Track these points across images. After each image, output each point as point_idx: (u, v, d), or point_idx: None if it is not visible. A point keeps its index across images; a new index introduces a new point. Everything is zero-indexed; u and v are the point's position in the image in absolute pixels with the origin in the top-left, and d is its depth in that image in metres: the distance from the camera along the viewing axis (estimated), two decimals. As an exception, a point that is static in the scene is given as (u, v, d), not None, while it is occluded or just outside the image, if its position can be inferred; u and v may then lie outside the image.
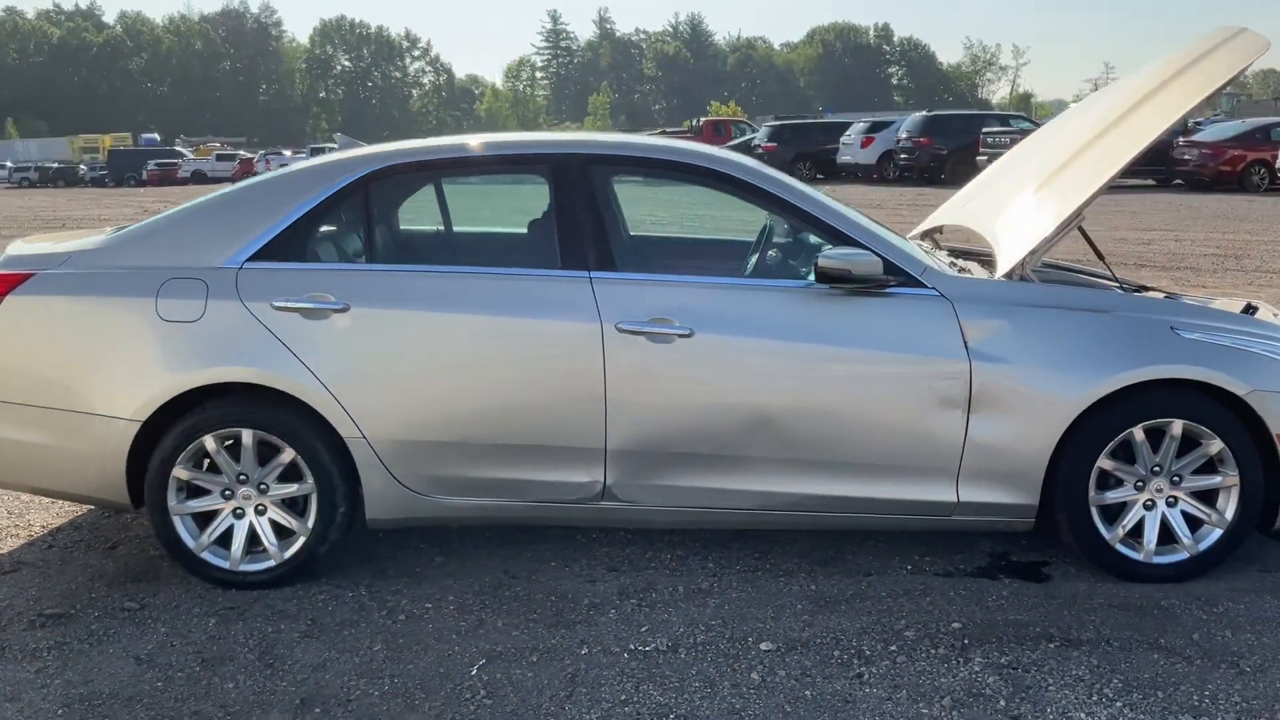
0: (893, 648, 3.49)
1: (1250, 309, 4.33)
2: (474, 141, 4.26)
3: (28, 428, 3.95)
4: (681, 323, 3.83)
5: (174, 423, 3.89)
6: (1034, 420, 3.83)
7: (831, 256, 3.77)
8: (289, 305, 3.85)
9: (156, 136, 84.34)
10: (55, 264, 4.02)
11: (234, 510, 3.96)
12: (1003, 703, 3.16)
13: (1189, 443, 3.89)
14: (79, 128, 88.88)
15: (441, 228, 4.44)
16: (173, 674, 3.38)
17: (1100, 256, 4.70)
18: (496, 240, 4.30)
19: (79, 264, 4.01)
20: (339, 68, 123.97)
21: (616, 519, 4.06)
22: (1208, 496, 3.94)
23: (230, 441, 3.91)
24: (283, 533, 3.99)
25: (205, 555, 3.95)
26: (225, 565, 3.96)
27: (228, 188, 4.25)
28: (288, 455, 3.90)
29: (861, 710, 3.13)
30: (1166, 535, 3.96)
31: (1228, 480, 3.89)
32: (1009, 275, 4.03)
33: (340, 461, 3.90)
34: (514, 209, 4.67)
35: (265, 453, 3.92)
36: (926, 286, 3.89)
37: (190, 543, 3.95)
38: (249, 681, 3.33)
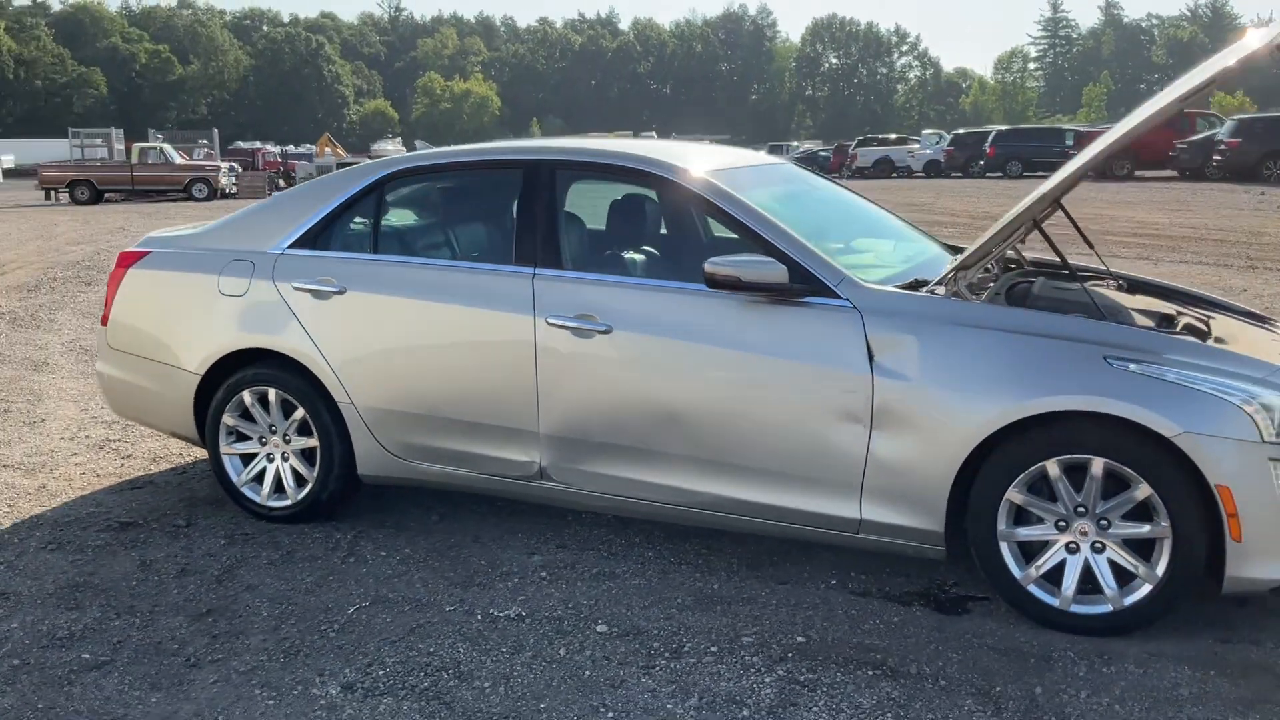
0: (715, 649, 3.56)
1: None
2: (465, 149, 4.74)
3: (139, 374, 4.98)
4: (602, 319, 4.08)
5: (225, 378, 4.73)
6: (935, 442, 3.68)
7: (718, 263, 3.84)
8: (304, 286, 4.57)
9: (654, 134, 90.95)
10: (166, 245, 5.02)
11: (267, 455, 4.76)
12: (746, 712, 3.17)
13: (1119, 484, 3.53)
14: (591, 127, 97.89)
15: (441, 222, 4.94)
16: (151, 576, 4.21)
17: (1090, 245, 4.70)
18: (481, 236, 4.72)
19: (180, 245, 4.99)
20: (826, 65, 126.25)
21: (553, 499, 4.37)
22: (1146, 547, 3.55)
23: (262, 397, 4.69)
24: (301, 480, 4.71)
25: (245, 490, 4.78)
26: (258, 500, 4.76)
27: (300, 185, 5.03)
28: (300, 413, 4.62)
29: (620, 694, 3.28)
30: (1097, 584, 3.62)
31: (1158, 531, 3.49)
32: (939, 288, 3.85)
33: (336, 422, 4.56)
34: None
35: (287, 409, 4.67)
36: (840, 297, 3.83)
37: (234, 478, 4.79)
38: (190, 589, 4.08)
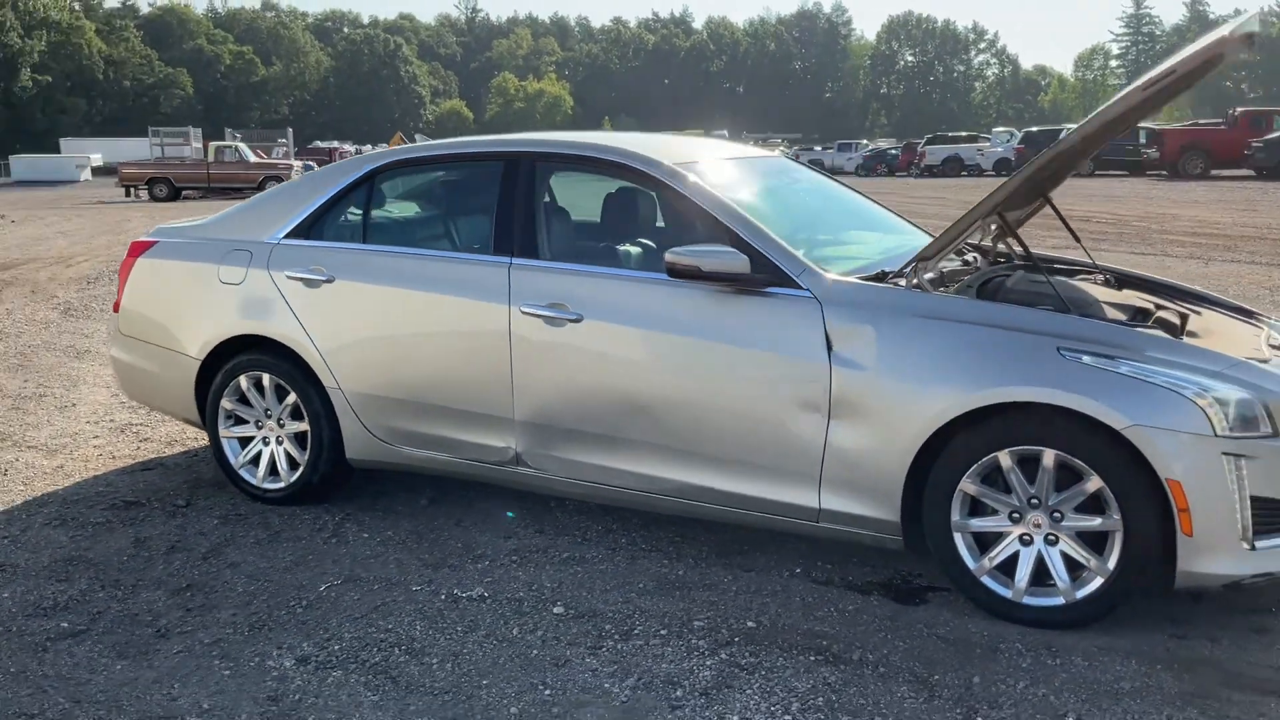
0: (664, 632, 3.62)
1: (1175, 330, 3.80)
2: (452, 142, 4.84)
3: (147, 358, 5.17)
4: (573, 308, 4.15)
5: (223, 363, 4.89)
6: (891, 432, 3.69)
7: (679, 252, 3.89)
8: (296, 275, 4.71)
9: (725, 132, 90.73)
10: (173, 235, 5.20)
11: (262, 438, 4.91)
12: (680, 693, 3.22)
13: (1072, 477, 3.52)
14: (663, 126, 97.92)
15: (427, 213, 5.05)
16: (142, 553, 4.38)
17: (1077, 239, 4.72)
18: (464, 227, 4.80)
19: (186, 235, 5.16)
20: (902, 63, 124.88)
21: (529, 484, 4.45)
22: (1098, 540, 3.53)
23: (257, 382, 4.84)
24: (294, 463, 4.85)
25: (242, 472, 4.94)
26: (254, 481, 4.91)
27: (298, 178, 5.17)
28: (292, 398, 4.76)
29: (562, 673, 3.35)
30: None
31: (1110, 524, 3.47)
32: (899, 279, 3.86)
33: (325, 407, 4.69)
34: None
35: (281, 394, 4.81)
36: (801, 287, 3.86)
37: (233, 460, 4.95)
38: (176, 565, 4.24)
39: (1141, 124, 41.04)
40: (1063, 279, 4.42)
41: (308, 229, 4.82)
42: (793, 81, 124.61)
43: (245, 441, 4.96)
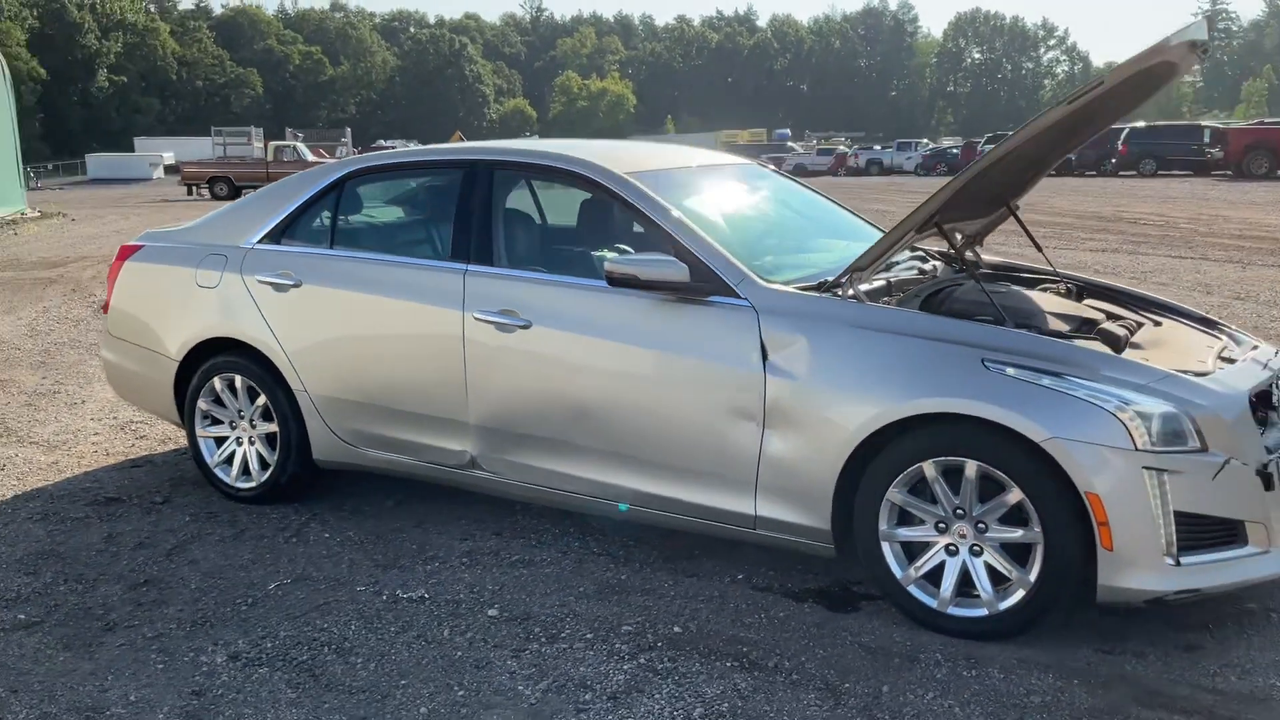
0: (590, 635, 3.67)
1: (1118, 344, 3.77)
2: (418, 150, 4.94)
3: (132, 359, 5.33)
4: (523, 315, 4.22)
5: (199, 365, 5.03)
6: (821, 441, 3.71)
7: (617, 261, 3.93)
8: (265, 279, 4.83)
9: (788, 131, 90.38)
10: (158, 239, 5.36)
11: (236, 438, 5.04)
12: (589, 696, 3.27)
13: (995, 488, 3.51)
14: (726, 124, 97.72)
15: (392, 220, 5.13)
16: (110, 548, 4.52)
17: (1039, 248, 4.61)
18: (426, 233, 4.87)
19: (170, 239, 5.31)
20: (969, 60, 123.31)
21: (486, 488, 4.52)
22: (1022, 552, 3.52)
23: (231, 384, 4.97)
24: (265, 463, 4.98)
25: (217, 471, 5.07)
26: (228, 480, 5.05)
27: (275, 183, 5.29)
28: (263, 399, 4.89)
29: (480, 674, 3.41)
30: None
31: (1031, 536, 3.46)
32: (834, 290, 3.87)
33: (292, 409, 4.80)
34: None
35: (252, 395, 4.94)
36: (740, 296, 3.89)
37: (208, 459, 5.09)
38: (139, 561, 4.37)
39: (1206, 123, 40.13)
40: (1016, 289, 4.39)
41: (280, 234, 4.94)
42: (858, 80, 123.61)
43: (221, 441, 5.09)
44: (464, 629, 3.74)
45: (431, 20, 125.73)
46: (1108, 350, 3.75)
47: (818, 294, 3.87)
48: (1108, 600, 3.45)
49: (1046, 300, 4.31)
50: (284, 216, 4.94)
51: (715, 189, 4.76)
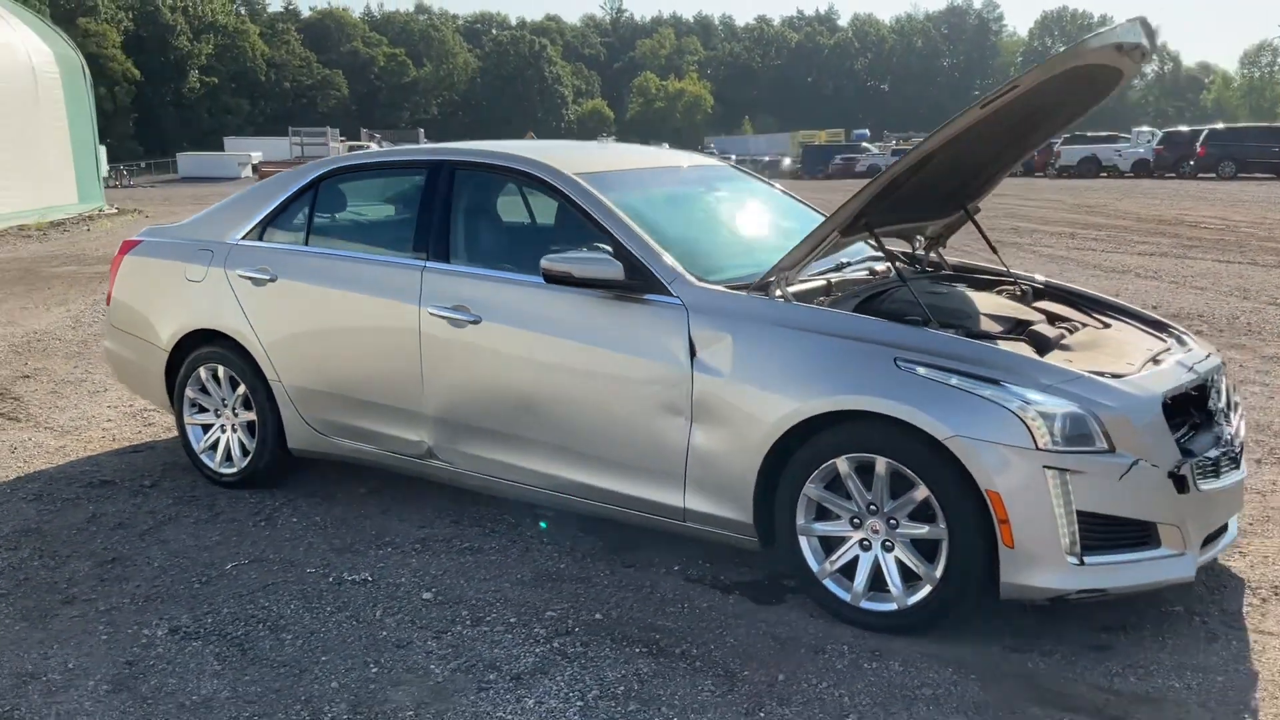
0: (513, 619, 3.79)
1: (1042, 345, 3.79)
2: (389, 150, 5.11)
3: (130, 349, 5.59)
4: (474, 310, 4.36)
5: (187, 355, 5.27)
6: (743, 436, 3.80)
7: (553, 259, 4.05)
8: (245, 274, 5.04)
9: (866, 132, 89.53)
10: (156, 234, 5.61)
11: (220, 426, 5.26)
12: (493, 676, 3.40)
13: (905, 485, 3.56)
14: (805, 124, 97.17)
15: (362, 218, 5.30)
16: (90, 527, 4.76)
17: (994, 249, 4.67)
18: (391, 231, 5.03)
19: (166, 234, 5.56)
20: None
21: (443, 478, 4.67)
22: (932, 548, 3.57)
23: (215, 374, 5.19)
24: (245, 450, 5.19)
25: (202, 457, 5.31)
26: (212, 466, 5.27)
27: (261, 181, 5.50)
28: (242, 389, 5.10)
29: (398, 654, 3.56)
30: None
31: (937, 532, 3.51)
32: (761, 289, 3.95)
33: (268, 399, 5.01)
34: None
35: (234, 385, 5.16)
36: (672, 294, 3.98)
37: (196, 445, 5.32)
38: (114, 540, 4.60)
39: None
40: (960, 291, 4.42)
41: (261, 231, 5.15)
42: (940, 79, 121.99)
43: (207, 428, 5.32)
44: (396, 610, 3.89)
45: (513, 22, 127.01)
46: (1030, 351, 3.78)
47: (745, 293, 3.94)
48: (1011, 597, 3.48)
49: (990, 302, 4.34)
50: (266, 214, 5.15)
51: (670, 190, 4.86)
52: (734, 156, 67.95)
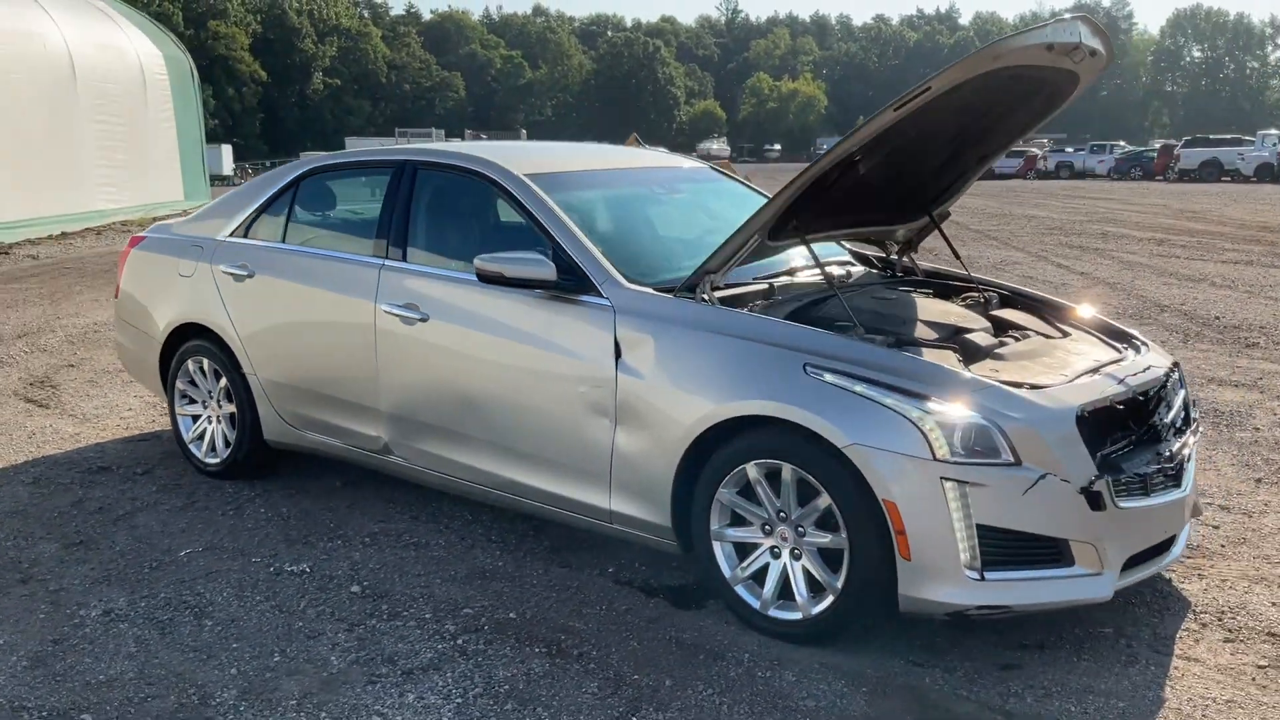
0: (429, 615, 3.84)
1: (974, 355, 3.69)
2: (363, 150, 5.22)
3: (132, 340, 5.81)
4: (423, 309, 4.43)
5: (177, 348, 5.45)
6: (661, 440, 3.78)
7: (485, 258, 4.07)
8: (227, 270, 5.19)
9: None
10: (159, 231, 5.81)
11: (207, 417, 5.43)
12: (386, 670, 3.45)
13: (812, 492, 3.51)
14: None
15: (335, 216, 5.38)
16: (72, 511, 4.96)
17: (957, 255, 4.53)
18: (358, 229, 5.08)
19: (168, 231, 5.76)
20: (1187, 59, 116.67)
21: (400, 473, 4.74)
22: (838, 558, 3.50)
23: (201, 366, 5.36)
24: (228, 441, 5.35)
25: (191, 446, 5.48)
26: (199, 456, 5.45)
27: (253, 180, 5.65)
28: (224, 382, 5.26)
29: (306, 644, 3.63)
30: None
31: (839, 542, 3.44)
32: (688, 291, 3.91)
33: (246, 391, 5.15)
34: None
35: (217, 377, 5.31)
36: (602, 296, 3.98)
37: (185, 435, 5.50)
38: (88, 524, 4.78)
39: None
40: (906, 296, 4.32)
41: (246, 228, 5.30)
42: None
43: (196, 419, 5.49)
44: (320, 602, 3.97)
45: (628, 23, 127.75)
46: (954, 360, 3.68)
47: (670, 295, 3.91)
48: (910, 611, 3.40)
49: (940, 309, 4.23)
50: (251, 211, 5.30)
51: (627, 192, 4.85)
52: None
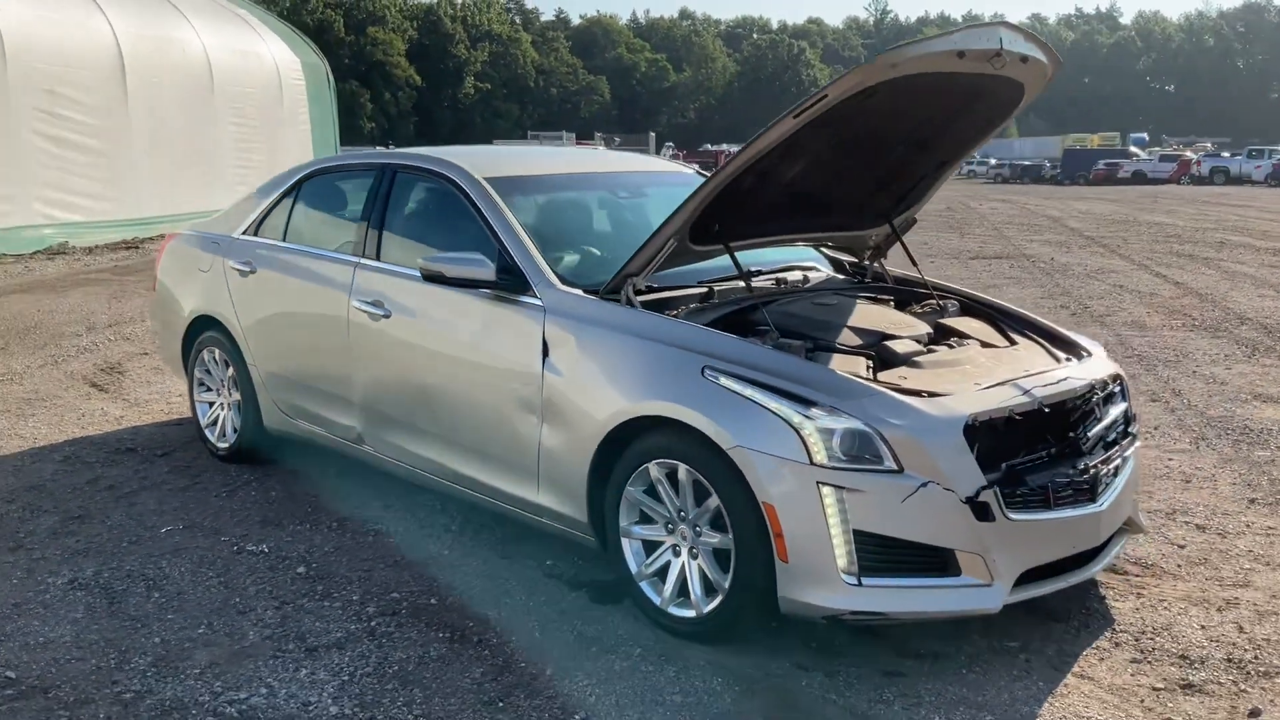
0: (355, 598, 4.02)
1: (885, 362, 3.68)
2: (360, 153, 5.40)
3: (163, 328, 6.18)
4: (386, 305, 4.62)
5: (195, 337, 5.79)
6: (577, 437, 3.88)
7: (428, 259, 4.23)
8: (235, 265, 5.49)
9: (1144, 136, 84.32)
10: (191, 227, 6.17)
11: (219, 404, 5.75)
12: (293, 646, 3.63)
13: (706, 493, 3.56)
14: (1077, 127, 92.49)
15: (328, 215, 5.58)
16: (85, 488, 5.32)
17: (914, 262, 4.58)
18: (346, 228, 5.23)
19: (198, 228, 6.10)
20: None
21: (373, 462, 4.93)
22: (727, 558, 3.54)
23: (214, 355, 5.68)
24: (235, 427, 5.65)
25: (205, 431, 5.81)
26: (212, 440, 5.77)
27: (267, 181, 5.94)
28: (232, 370, 5.56)
29: (234, 618, 3.85)
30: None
31: (728, 542, 3.49)
32: (612, 292, 3.99)
33: (249, 380, 5.44)
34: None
35: (226, 366, 5.62)
36: (536, 296, 4.10)
37: (202, 420, 5.84)
38: (95, 499, 5.12)
39: None
40: (845, 302, 4.28)
41: (257, 226, 5.59)
42: (1232, 81, 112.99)
43: (212, 405, 5.81)
44: (263, 581, 4.19)
45: (774, 25, 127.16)
46: (863, 367, 3.67)
47: (594, 297, 4.00)
48: (790, 612, 3.42)
49: (873, 315, 4.20)
50: (262, 210, 5.59)
51: (589, 195, 4.96)
52: (993, 160, 65.66)
